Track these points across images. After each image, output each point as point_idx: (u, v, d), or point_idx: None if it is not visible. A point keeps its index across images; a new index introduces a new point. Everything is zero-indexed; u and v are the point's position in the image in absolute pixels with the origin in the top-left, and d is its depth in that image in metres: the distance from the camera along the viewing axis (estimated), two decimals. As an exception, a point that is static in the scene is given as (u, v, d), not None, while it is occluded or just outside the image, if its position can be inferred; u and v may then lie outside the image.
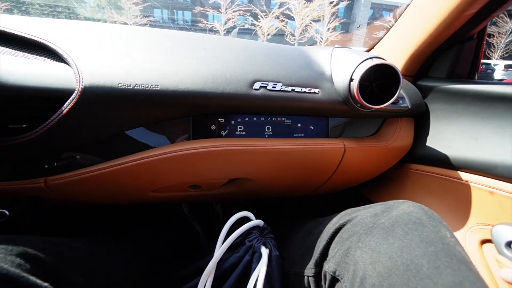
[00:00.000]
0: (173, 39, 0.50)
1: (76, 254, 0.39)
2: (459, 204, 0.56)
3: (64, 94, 0.39)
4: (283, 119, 0.53)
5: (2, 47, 0.43)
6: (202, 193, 0.59)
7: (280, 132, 0.53)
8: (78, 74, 0.39)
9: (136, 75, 0.41)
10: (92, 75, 0.40)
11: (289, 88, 0.48)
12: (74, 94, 0.39)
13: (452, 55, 0.64)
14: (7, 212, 0.53)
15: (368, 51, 0.78)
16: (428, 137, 0.64)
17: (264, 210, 0.94)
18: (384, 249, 0.31)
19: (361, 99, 0.47)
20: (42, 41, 0.42)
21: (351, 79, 0.48)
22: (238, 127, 0.51)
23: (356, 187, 0.77)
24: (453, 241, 0.29)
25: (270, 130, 0.53)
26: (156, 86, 0.41)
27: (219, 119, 0.50)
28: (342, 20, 14.69)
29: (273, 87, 0.47)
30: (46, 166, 0.45)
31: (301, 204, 0.93)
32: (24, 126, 0.43)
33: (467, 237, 0.52)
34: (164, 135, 0.48)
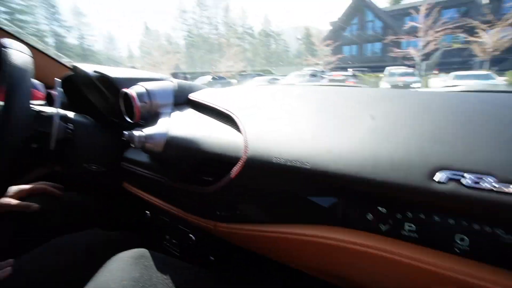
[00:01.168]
0: (339, 101, 0.49)
1: None
2: None
3: (233, 160, 0.48)
4: (490, 228, 0.32)
5: (203, 115, 0.60)
6: None
7: (486, 250, 0.32)
8: (246, 146, 0.47)
9: (289, 150, 0.42)
10: (255, 148, 0.46)
11: (510, 188, 0.29)
12: (240, 162, 0.46)
13: None
14: (193, 237, 0.70)
15: None
16: None
17: None
18: None
19: None
20: (228, 113, 0.56)
21: None
22: (407, 224, 0.36)
23: None
24: None
25: (465, 243, 0.33)
26: (306, 164, 0.40)
27: (379, 208, 0.39)
28: None
29: (474, 182, 0.30)
30: (218, 213, 0.56)
31: None
32: (210, 179, 0.56)
33: None
34: (312, 212, 0.44)
